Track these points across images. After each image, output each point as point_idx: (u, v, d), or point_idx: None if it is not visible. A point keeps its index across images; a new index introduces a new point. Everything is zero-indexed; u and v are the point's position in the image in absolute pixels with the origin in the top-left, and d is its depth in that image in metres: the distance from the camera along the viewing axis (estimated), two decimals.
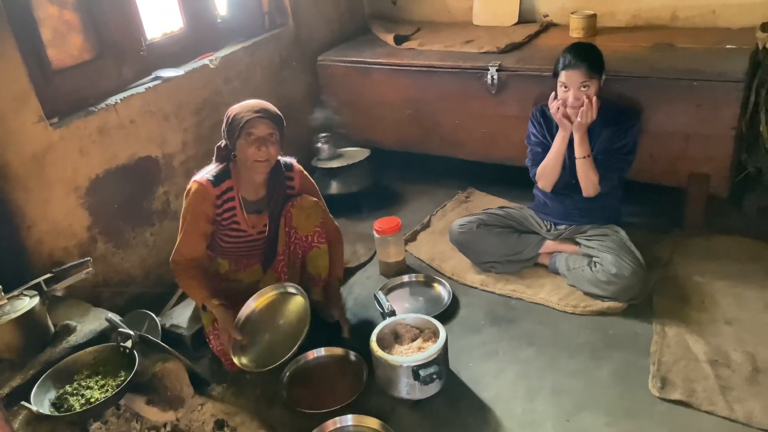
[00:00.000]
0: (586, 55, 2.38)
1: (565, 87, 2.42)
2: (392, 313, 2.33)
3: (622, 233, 2.56)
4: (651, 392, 2.04)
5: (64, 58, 2.41)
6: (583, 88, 2.38)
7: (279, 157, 2.27)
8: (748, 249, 2.67)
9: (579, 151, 2.46)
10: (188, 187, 2.22)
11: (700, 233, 2.80)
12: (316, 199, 2.38)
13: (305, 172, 2.44)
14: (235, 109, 2.19)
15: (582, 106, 2.38)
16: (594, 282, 2.44)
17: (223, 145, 2.25)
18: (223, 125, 2.21)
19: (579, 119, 2.40)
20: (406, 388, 2.06)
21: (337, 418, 2.03)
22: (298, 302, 2.24)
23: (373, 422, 2.01)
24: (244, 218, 2.28)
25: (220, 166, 2.25)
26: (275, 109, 2.21)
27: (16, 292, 1.94)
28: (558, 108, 2.44)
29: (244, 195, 2.28)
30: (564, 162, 2.54)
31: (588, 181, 2.49)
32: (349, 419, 2.04)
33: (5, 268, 2.11)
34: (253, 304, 2.27)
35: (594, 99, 2.38)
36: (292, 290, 2.27)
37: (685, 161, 2.71)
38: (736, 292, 2.43)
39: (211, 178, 2.21)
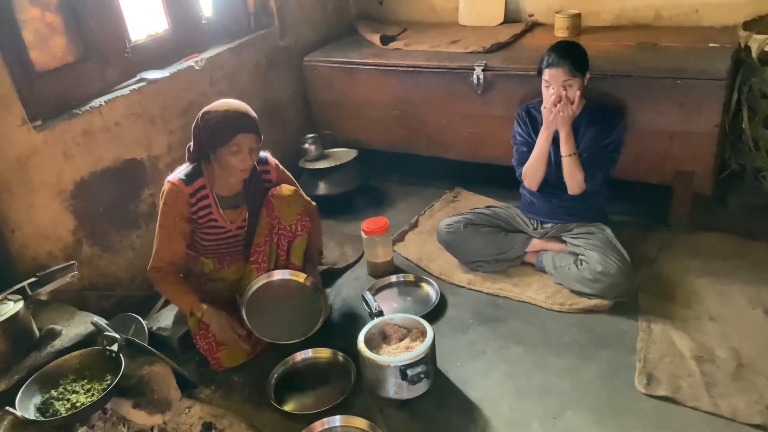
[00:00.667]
0: (568, 54, 2.40)
1: (548, 85, 2.43)
2: (380, 314, 2.33)
3: (608, 231, 2.58)
4: (637, 389, 2.05)
5: (47, 61, 2.39)
6: (565, 87, 2.40)
7: None
8: (732, 246, 2.70)
9: (564, 149, 2.47)
10: (163, 188, 2.23)
11: (685, 230, 2.82)
12: (294, 188, 2.40)
13: (280, 165, 2.45)
14: (214, 115, 2.13)
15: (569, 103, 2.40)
16: (580, 280, 2.45)
17: (194, 148, 2.22)
18: (198, 127, 2.17)
19: (561, 113, 2.41)
20: (394, 388, 2.06)
21: (325, 419, 2.03)
22: (315, 298, 2.36)
23: (361, 422, 2.02)
24: (220, 214, 2.28)
25: (191, 166, 2.25)
26: (253, 113, 2.18)
27: (0, 297, 1.93)
28: (551, 109, 2.44)
29: (219, 192, 2.27)
30: (549, 160, 2.55)
31: (573, 179, 2.51)
32: (337, 420, 2.04)
33: None
34: (275, 277, 2.37)
35: (576, 96, 2.40)
36: (309, 284, 2.39)
37: (669, 159, 2.73)
38: (721, 288, 2.46)
39: (183, 177, 2.21)
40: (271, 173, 2.40)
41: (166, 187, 2.22)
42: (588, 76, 2.47)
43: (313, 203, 2.56)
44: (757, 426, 1.86)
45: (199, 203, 2.24)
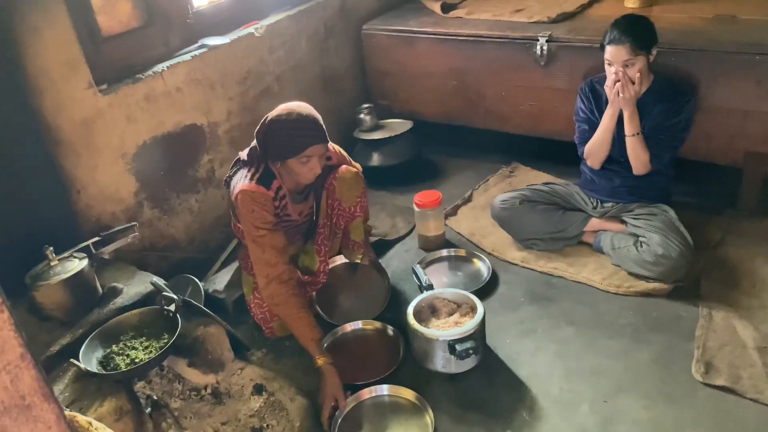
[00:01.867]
0: (632, 30, 2.28)
1: (609, 63, 2.33)
2: (430, 287, 2.32)
3: (671, 213, 2.48)
4: (693, 377, 1.99)
5: (113, 25, 2.43)
6: (627, 66, 2.29)
7: None
8: None
9: (629, 128, 2.38)
10: (236, 197, 2.08)
11: (754, 215, 2.69)
12: (356, 170, 2.37)
13: (337, 147, 2.38)
14: (283, 125, 2.03)
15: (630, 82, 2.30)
16: (639, 262, 2.38)
17: (259, 152, 2.12)
18: (264, 136, 2.07)
19: (622, 94, 2.31)
20: (442, 362, 2.06)
21: (372, 387, 2.06)
22: (376, 275, 2.54)
23: (408, 393, 2.03)
24: (294, 209, 2.25)
25: (259, 169, 2.12)
26: (320, 119, 2.08)
27: (66, 254, 2.01)
28: (612, 86, 2.35)
29: (290, 188, 2.21)
30: (613, 138, 2.46)
31: (638, 159, 2.41)
32: (384, 389, 2.07)
33: (56, 230, 2.17)
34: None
35: (637, 75, 2.29)
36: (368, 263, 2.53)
37: (741, 139, 2.59)
38: None
39: (259, 183, 2.09)
40: (332, 159, 2.34)
41: (245, 196, 2.06)
42: (655, 52, 2.34)
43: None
44: None
45: (281, 203, 2.17)
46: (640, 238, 2.41)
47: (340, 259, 2.56)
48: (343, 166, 2.35)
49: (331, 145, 2.32)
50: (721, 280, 2.37)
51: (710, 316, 2.21)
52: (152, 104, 2.47)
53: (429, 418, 1.95)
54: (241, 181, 2.10)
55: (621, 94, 2.32)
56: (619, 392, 1.98)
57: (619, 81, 2.31)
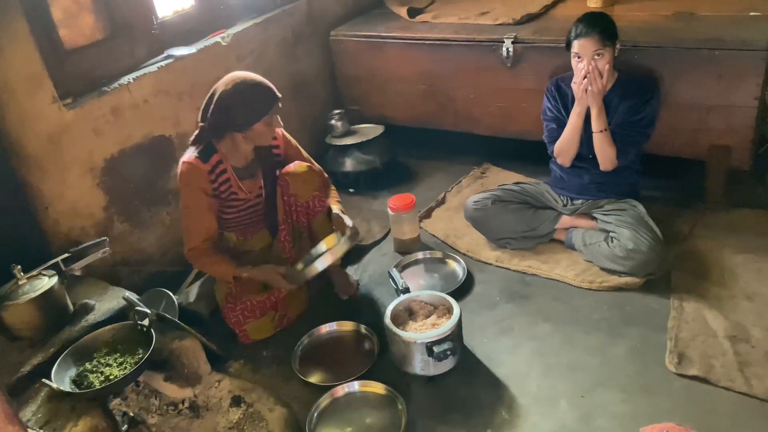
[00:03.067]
0: (598, 23, 2.34)
1: (578, 57, 2.37)
2: (406, 290, 2.33)
3: (640, 207, 2.52)
4: (668, 368, 2.02)
5: (76, 38, 2.41)
6: (596, 57, 2.33)
7: None
8: None
9: (596, 125, 2.42)
10: (179, 170, 2.22)
11: (721, 207, 2.74)
12: (308, 164, 2.38)
13: (286, 133, 2.45)
14: (245, 90, 2.12)
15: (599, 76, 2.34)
16: (611, 257, 2.41)
17: (209, 128, 2.19)
18: (224, 107, 2.12)
19: (590, 87, 2.35)
20: (420, 364, 2.07)
21: (345, 384, 2.09)
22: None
23: (378, 386, 2.07)
24: (239, 186, 2.29)
25: (201, 145, 2.22)
26: (258, 84, 2.17)
27: (34, 272, 1.97)
28: (581, 82, 2.38)
29: (234, 164, 2.28)
30: (581, 136, 2.49)
31: (605, 155, 2.45)
32: (356, 385, 2.09)
33: (24, 248, 2.13)
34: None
35: (606, 68, 2.34)
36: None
37: (705, 133, 2.65)
38: (757, 266, 2.39)
39: (197, 155, 2.20)
40: (278, 140, 2.39)
41: (182, 168, 2.20)
42: (618, 46, 2.39)
43: (324, 172, 2.50)
44: None
45: (218, 179, 2.24)
46: (611, 234, 2.45)
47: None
48: (295, 162, 2.36)
49: (280, 130, 2.39)
50: (691, 272, 2.41)
51: (681, 307, 2.25)
52: (119, 117, 2.44)
53: (401, 406, 1.98)
54: (185, 155, 2.23)
55: (590, 88, 2.36)
56: (597, 386, 2.00)
57: (586, 77, 2.34)
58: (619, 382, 2.00)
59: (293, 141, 2.48)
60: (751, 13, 2.69)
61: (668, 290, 2.34)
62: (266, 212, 2.41)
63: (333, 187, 2.54)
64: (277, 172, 2.39)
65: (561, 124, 2.55)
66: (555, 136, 2.58)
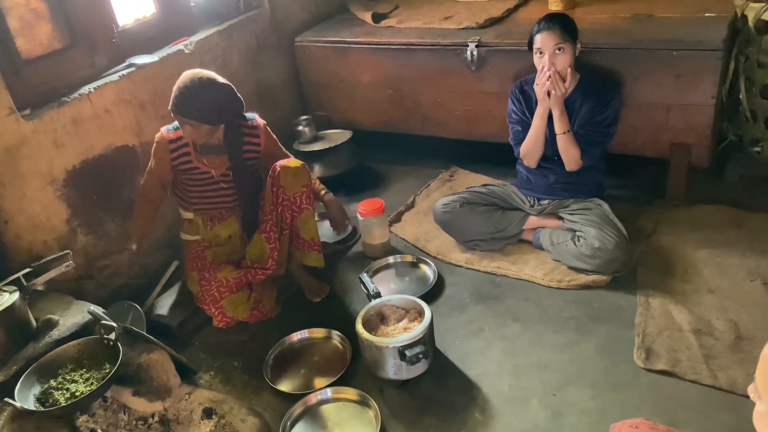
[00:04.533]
0: (558, 19, 2.40)
1: (540, 52, 2.41)
2: (377, 295, 2.33)
3: (605, 206, 2.56)
4: (636, 364, 2.05)
5: (33, 48, 2.35)
6: (557, 51, 2.37)
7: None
8: (730, 217, 2.69)
9: (558, 126, 2.45)
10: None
11: (682, 203, 2.81)
12: (301, 163, 2.43)
13: (266, 126, 2.51)
14: (177, 87, 2.22)
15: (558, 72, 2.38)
16: (578, 256, 2.45)
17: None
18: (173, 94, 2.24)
19: (553, 91, 2.39)
20: (393, 369, 2.06)
21: (318, 392, 2.08)
22: None
23: (351, 392, 2.07)
24: (200, 161, 2.37)
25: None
26: (198, 94, 2.20)
27: None
28: (543, 84, 2.42)
29: (200, 141, 2.35)
30: (545, 137, 2.53)
31: (569, 156, 2.49)
32: (328, 391, 2.08)
33: None
34: None
35: (567, 68, 2.38)
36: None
37: (666, 132, 2.71)
38: (719, 261, 2.45)
39: (169, 126, 2.39)
40: (259, 130, 2.46)
41: (156, 135, 2.39)
42: (579, 47, 2.43)
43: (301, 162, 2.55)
44: None
45: (179, 150, 2.36)
46: (577, 233, 2.48)
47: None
48: (291, 158, 2.46)
49: (262, 123, 2.48)
50: (656, 268, 2.46)
51: (648, 303, 2.29)
52: (80, 127, 2.40)
53: (374, 411, 1.98)
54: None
55: (552, 91, 2.39)
56: (567, 384, 2.03)
57: (549, 79, 2.38)
58: (589, 379, 2.03)
59: (274, 137, 2.55)
60: (707, 14, 2.77)
61: (634, 287, 2.38)
62: (236, 201, 2.45)
63: (314, 177, 2.61)
64: (251, 163, 2.45)
65: (525, 126, 2.58)
66: (520, 138, 2.61)
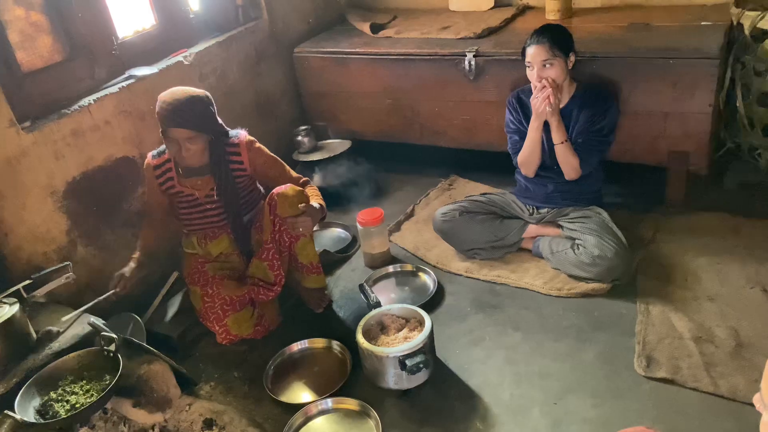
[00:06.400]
0: (548, 32, 2.40)
1: (530, 65, 2.42)
2: (378, 305, 2.33)
3: (604, 214, 2.57)
4: (637, 372, 2.05)
5: (33, 61, 2.37)
6: (546, 66, 2.38)
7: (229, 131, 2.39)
8: (729, 225, 2.69)
9: (556, 137, 2.46)
10: None
11: (681, 211, 2.81)
12: (300, 189, 2.37)
13: (257, 144, 2.43)
14: (159, 102, 2.22)
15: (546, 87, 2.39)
16: (577, 264, 2.45)
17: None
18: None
19: (548, 108, 2.40)
20: (394, 378, 2.06)
21: (318, 402, 2.07)
22: None
23: (351, 403, 2.06)
24: (184, 184, 2.38)
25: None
26: (192, 101, 2.22)
27: None
28: (538, 98, 2.43)
29: (182, 164, 2.35)
30: (543, 146, 2.54)
31: (568, 165, 2.50)
32: (329, 402, 2.08)
33: None
34: None
35: (556, 78, 2.40)
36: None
37: (664, 140, 2.72)
38: (719, 268, 2.45)
39: (155, 152, 2.41)
40: (240, 149, 2.38)
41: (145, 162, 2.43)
42: (573, 58, 2.44)
43: (305, 178, 2.54)
44: None
45: (164, 176, 2.38)
46: (577, 241, 2.49)
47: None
48: (288, 185, 2.36)
49: (245, 140, 2.40)
50: (656, 276, 2.46)
51: (648, 311, 2.29)
52: (80, 139, 2.41)
53: (374, 421, 1.97)
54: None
55: (548, 108, 2.40)
56: (568, 393, 2.02)
57: (543, 93, 2.39)
58: (590, 388, 2.03)
59: (264, 152, 2.44)
60: (703, 23, 2.79)
61: (634, 294, 2.38)
62: (226, 219, 2.43)
63: (312, 186, 2.53)
64: (237, 181, 2.41)
65: (523, 136, 2.59)
66: (518, 147, 2.62)
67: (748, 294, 2.31)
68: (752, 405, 1.83)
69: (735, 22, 2.75)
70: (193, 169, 2.37)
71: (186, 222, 2.47)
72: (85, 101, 2.44)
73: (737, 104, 2.82)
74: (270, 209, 2.34)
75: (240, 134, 2.41)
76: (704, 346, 2.10)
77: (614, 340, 2.20)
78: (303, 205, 2.34)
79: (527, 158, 2.57)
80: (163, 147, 2.37)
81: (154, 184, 2.41)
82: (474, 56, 2.95)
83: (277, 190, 2.33)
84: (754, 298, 2.29)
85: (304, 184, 2.48)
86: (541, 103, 2.41)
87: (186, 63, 2.86)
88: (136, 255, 2.42)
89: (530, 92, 2.53)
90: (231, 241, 2.48)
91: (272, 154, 2.48)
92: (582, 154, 2.48)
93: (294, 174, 2.52)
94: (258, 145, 2.44)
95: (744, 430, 1.80)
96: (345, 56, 3.32)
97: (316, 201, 2.42)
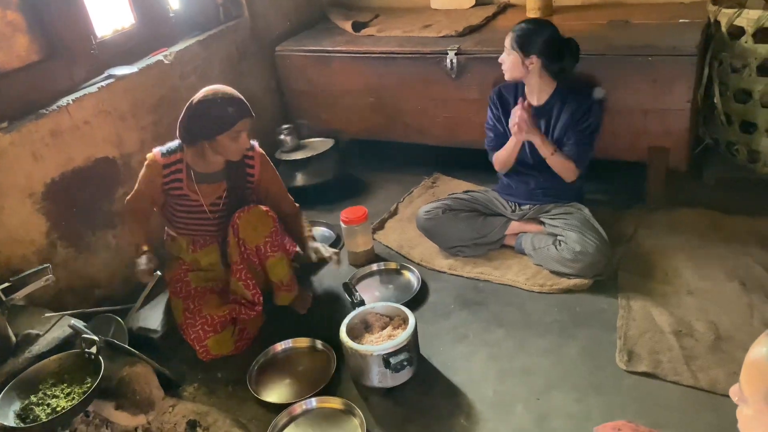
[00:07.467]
0: (520, 26, 2.47)
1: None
2: (362, 303, 2.33)
3: (586, 211, 2.59)
4: (618, 366, 2.07)
5: (10, 60, 2.34)
6: (505, 54, 2.47)
7: None
8: (708, 220, 2.73)
9: (544, 151, 2.50)
10: (147, 155, 2.34)
11: (661, 207, 2.84)
12: (265, 209, 2.35)
13: (266, 156, 2.46)
14: (211, 104, 2.17)
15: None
16: (559, 260, 2.47)
17: (184, 133, 2.24)
18: (192, 117, 2.19)
19: (521, 133, 2.47)
20: (378, 377, 2.06)
21: (303, 401, 2.06)
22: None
23: (336, 401, 2.06)
24: (192, 189, 2.32)
25: (178, 142, 2.32)
26: (242, 96, 2.23)
27: None
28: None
29: (198, 168, 2.31)
30: (524, 146, 2.56)
31: (565, 171, 2.52)
32: (313, 401, 2.07)
33: None
34: None
35: (506, 64, 2.47)
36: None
37: (644, 136, 2.74)
38: (698, 263, 2.48)
39: (163, 150, 2.32)
40: (254, 160, 2.40)
41: (148, 156, 2.32)
42: (533, 61, 2.42)
43: (296, 205, 2.58)
44: None
45: (172, 175, 2.31)
46: (558, 237, 2.50)
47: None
48: (252, 206, 2.34)
49: (260, 151, 2.42)
50: (637, 272, 2.49)
51: (629, 306, 2.31)
52: (59, 140, 2.38)
53: (359, 419, 1.97)
54: (161, 146, 2.34)
55: (519, 134, 2.47)
56: (551, 388, 2.04)
57: (513, 117, 2.46)
58: (572, 383, 2.05)
59: (272, 168, 2.49)
60: (681, 20, 2.82)
61: (615, 290, 2.40)
62: (220, 227, 2.40)
63: (303, 219, 2.57)
64: (246, 192, 2.41)
65: (498, 133, 2.65)
66: (493, 144, 2.65)
67: (727, 288, 2.34)
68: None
69: (712, 20, 2.79)
70: (207, 175, 2.33)
71: (179, 226, 2.42)
72: (63, 101, 2.41)
73: (715, 100, 2.86)
74: (233, 231, 2.31)
75: (255, 145, 2.41)
76: (684, 340, 2.13)
77: (596, 335, 2.22)
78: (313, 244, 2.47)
79: (502, 161, 2.64)
80: (173, 145, 2.32)
81: (157, 183, 2.31)
82: (456, 54, 2.95)
83: (239, 212, 2.31)
84: (732, 292, 2.32)
85: (298, 213, 2.55)
86: (512, 127, 2.47)
87: (166, 62, 2.83)
88: (144, 247, 2.32)
89: (512, 88, 2.55)
90: (220, 253, 2.44)
91: (277, 172, 2.52)
92: (576, 155, 2.50)
93: (290, 197, 2.55)
94: (267, 158, 2.46)
95: (723, 422, 1.82)
96: (327, 54, 3.31)
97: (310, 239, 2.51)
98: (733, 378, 1.93)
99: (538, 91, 2.51)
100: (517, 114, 2.43)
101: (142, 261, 2.27)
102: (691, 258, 2.51)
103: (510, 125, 2.49)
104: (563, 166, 2.51)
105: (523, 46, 2.41)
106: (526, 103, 2.44)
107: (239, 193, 2.38)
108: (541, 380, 2.07)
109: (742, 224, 2.67)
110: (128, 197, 2.40)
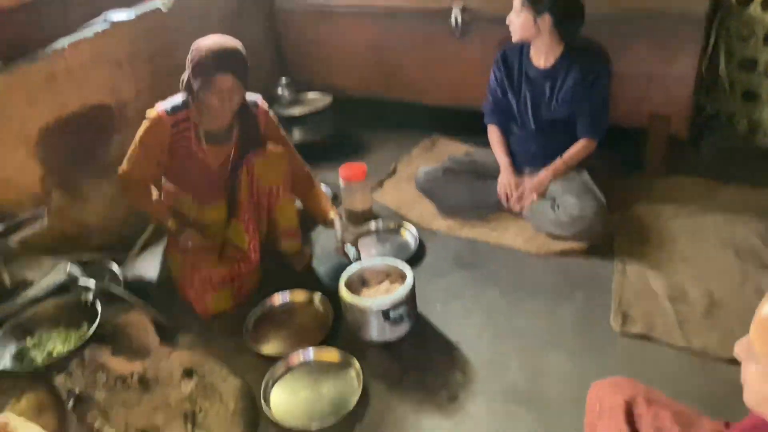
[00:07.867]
0: None
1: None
2: (358, 260, 2.32)
3: (585, 175, 2.59)
4: (612, 328, 2.09)
5: (2, 1, 2.26)
6: (514, 12, 2.43)
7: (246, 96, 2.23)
8: (706, 189, 2.74)
9: (554, 174, 2.56)
10: (148, 112, 2.18)
11: (660, 174, 2.85)
12: (282, 151, 2.31)
13: (270, 113, 2.38)
14: (200, 49, 2.07)
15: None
16: (557, 223, 2.47)
17: (186, 78, 2.14)
18: (189, 60, 2.11)
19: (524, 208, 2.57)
20: (376, 331, 2.07)
21: (299, 352, 2.07)
22: None
23: (333, 353, 2.07)
24: (201, 149, 2.23)
25: (182, 97, 2.18)
26: (238, 49, 2.11)
27: None
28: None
29: (206, 126, 2.21)
30: (526, 104, 2.54)
31: (584, 153, 2.59)
32: (310, 353, 2.08)
33: None
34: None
35: (516, 23, 2.44)
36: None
37: (646, 103, 2.73)
38: (693, 230, 2.50)
39: (168, 108, 2.16)
40: (259, 118, 2.31)
41: (151, 113, 2.17)
42: (547, 18, 2.38)
43: (307, 168, 2.52)
44: (727, 360, 1.91)
45: (179, 134, 2.18)
46: (557, 201, 2.50)
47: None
48: (271, 146, 2.28)
49: (264, 107, 2.33)
50: (633, 237, 2.50)
51: (624, 270, 2.33)
52: (54, 84, 2.32)
53: (357, 370, 1.98)
54: (164, 102, 2.17)
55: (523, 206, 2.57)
56: (545, 348, 2.06)
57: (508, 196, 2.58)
58: (567, 343, 2.07)
59: (276, 125, 2.40)
60: None
61: (611, 255, 2.42)
62: (229, 184, 2.33)
63: (317, 184, 2.53)
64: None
65: (496, 97, 2.66)
66: (491, 108, 2.65)
67: (721, 256, 2.36)
68: (723, 361, 1.90)
69: None
70: (216, 135, 2.23)
71: (187, 183, 2.33)
72: (59, 45, 2.34)
73: (720, 69, 2.84)
74: (247, 169, 2.26)
75: (257, 99, 2.32)
76: (679, 305, 2.15)
77: (591, 298, 2.24)
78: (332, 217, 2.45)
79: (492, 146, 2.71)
80: (177, 102, 2.17)
81: (163, 142, 2.16)
82: (461, 11, 2.90)
83: (257, 151, 2.25)
84: (726, 259, 2.34)
85: (310, 178, 2.51)
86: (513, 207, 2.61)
87: (164, 10, 2.76)
88: (171, 223, 2.27)
89: (516, 51, 2.52)
90: (227, 206, 2.37)
91: (282, 130, 2.44)
92: (591, 126, 2.54)
93: (300, 158, 2.48)
94: (272, 114, 2.38)
95: (713, 384, 1.86)
96: (329, 9, 3.25)
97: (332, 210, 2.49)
98: (725, 343, 1.96)
99: (545, 53, 2.47)
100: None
101: (186, 241, 2.23)
102: (686, 225, 2.53)
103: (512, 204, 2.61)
104: (579, 155, 2.56)
105: (535, 3, 2.36)
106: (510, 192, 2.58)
107: (252, 149, 2.29)
108: (536, 340, 2.09)
109: (739, 194, 2.68)
110: (123, 168, 2.21)
